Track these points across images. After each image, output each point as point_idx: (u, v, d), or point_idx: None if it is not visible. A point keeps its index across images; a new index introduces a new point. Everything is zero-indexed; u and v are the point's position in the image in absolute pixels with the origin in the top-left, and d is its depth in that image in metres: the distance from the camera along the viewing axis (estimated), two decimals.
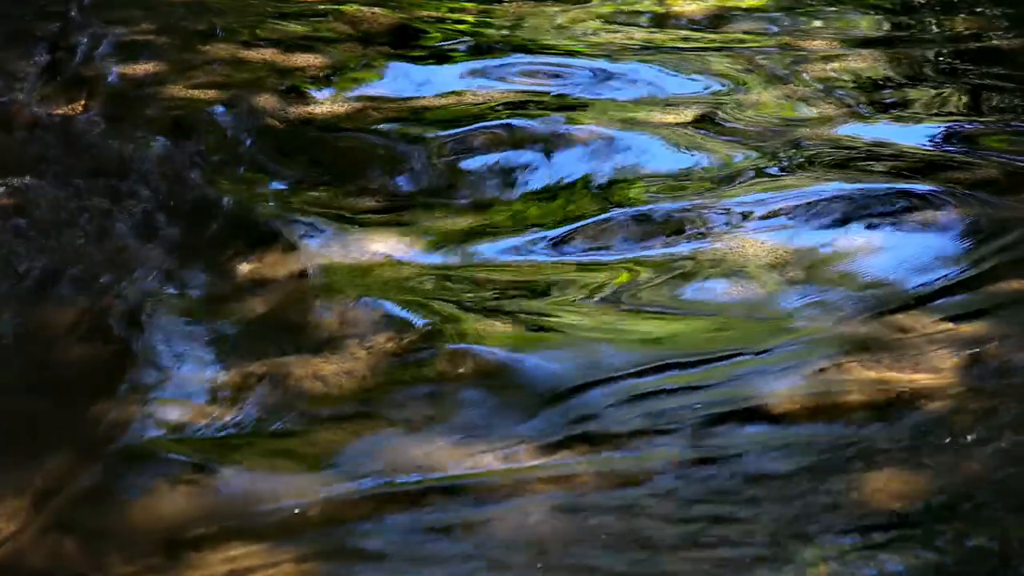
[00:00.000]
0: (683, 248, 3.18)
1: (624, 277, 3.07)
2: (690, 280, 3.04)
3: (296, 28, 4.77)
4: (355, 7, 4.99)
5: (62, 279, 3.09)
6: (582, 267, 3.13)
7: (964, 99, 4.12)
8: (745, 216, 3.30)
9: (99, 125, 3.94)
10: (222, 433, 2.55)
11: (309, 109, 4.04)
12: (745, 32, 4.76)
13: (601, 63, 4.41)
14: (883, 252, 3.13)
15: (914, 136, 3.81)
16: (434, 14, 4.95)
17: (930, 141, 3.78)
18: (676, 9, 4.99)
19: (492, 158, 3.73)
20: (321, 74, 4.33)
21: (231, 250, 3.20)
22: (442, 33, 4.75)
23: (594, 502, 2.31)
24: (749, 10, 4.99)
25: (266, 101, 4.06)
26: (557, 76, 4.31)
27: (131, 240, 3.26)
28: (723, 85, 4.22)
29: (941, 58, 4.44)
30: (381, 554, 2.23)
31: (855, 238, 3.19)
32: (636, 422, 2.51)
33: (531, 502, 2.31)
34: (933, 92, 4.16)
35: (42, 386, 2.72)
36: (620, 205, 3.42)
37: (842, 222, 3.28)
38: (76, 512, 2.33)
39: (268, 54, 4.50)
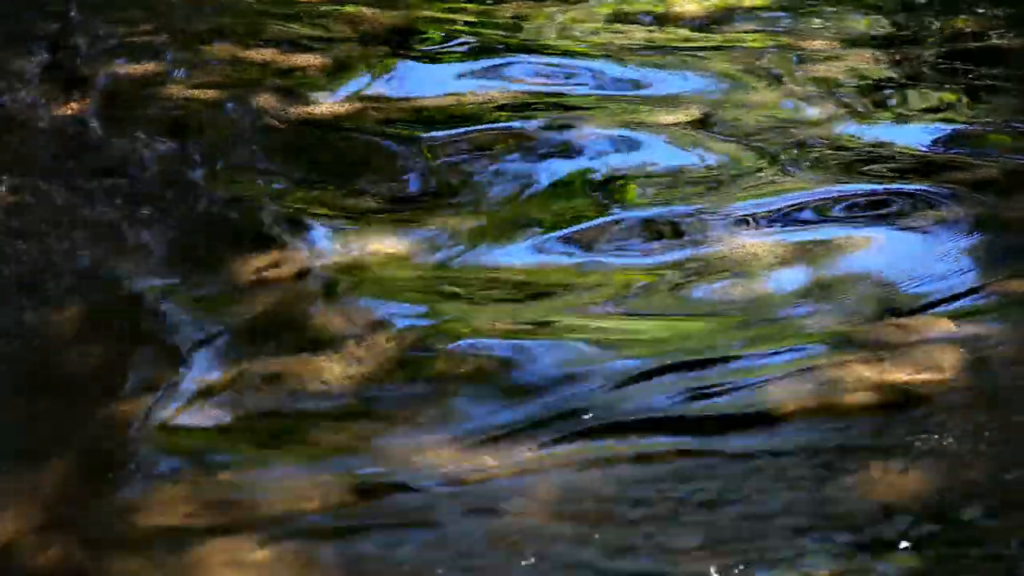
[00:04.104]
0: (683, 249, 3.18)
1: (624, 278, 3.07)
2: (690, 281, 3.04)
3: (296, 28, 4.77)
4: (355, 7, 4.99)
5: (62, 279, 3.09)
6: (582, 268, 3.13)
7: (964, 99, 4.12)
8: (746, 216, 3.30)
9: (99, 125, 3.94)
10: (222, 433, 2.55)
11: (309, 109, 4.04)
12: (745, 32, 4.76)
13: (601, 63, 4.40)
14: (883, 252, 3.13)
15: (914, 136, 3.81)
16: (434, 14, 4.95)
17: (930, 141, 3.78)
18: (676, 9, 4.99)
19: (492, 158, 3.73)
20: (321, 74, 4.33)
21: (231, 250, 3.20)
22: (442, 33, 4.75)
23: (595, 503, 2.31)
24: (749, 10, 4.98)
25: (266, 101, 4.06)
26: (557, 76, 4.31)
27: (131, 240, 3.26)
28: (723, 85, 4.22)
29: (941, 58, 4.44)
30: (381, 554, 2.23)
31: (855, 238, 3.19)
32: (637, 423, 2.51)
33: (532, 502, 2.31)
34: (933, 92, 4.16)
35: (42, 385, 2.72)
36: (620, 206, 3.42)
37: (843, 222, 3.28)
38: (76, 512, 2.33)
39: (268, 54, 4.50)
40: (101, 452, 2.49)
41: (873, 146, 3.73)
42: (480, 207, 3.46)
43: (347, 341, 2.79)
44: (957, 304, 2.89)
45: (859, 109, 4.02)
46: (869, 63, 4.39)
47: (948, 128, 3.87)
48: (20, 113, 4.03)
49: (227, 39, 4.64)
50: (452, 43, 4.66)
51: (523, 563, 2.18)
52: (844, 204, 3.35)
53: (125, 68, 4.35)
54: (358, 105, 4.07)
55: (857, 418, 2.50)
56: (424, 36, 4.74)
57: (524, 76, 4.32)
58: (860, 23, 4.85)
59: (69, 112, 4.02)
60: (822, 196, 3.39)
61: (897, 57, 4.45)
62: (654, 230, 3.28)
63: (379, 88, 4.23)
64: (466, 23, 4.87)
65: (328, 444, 2.50)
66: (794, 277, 3.04)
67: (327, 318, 2.90)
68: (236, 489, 2.37)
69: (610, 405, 2.57)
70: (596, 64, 4.40)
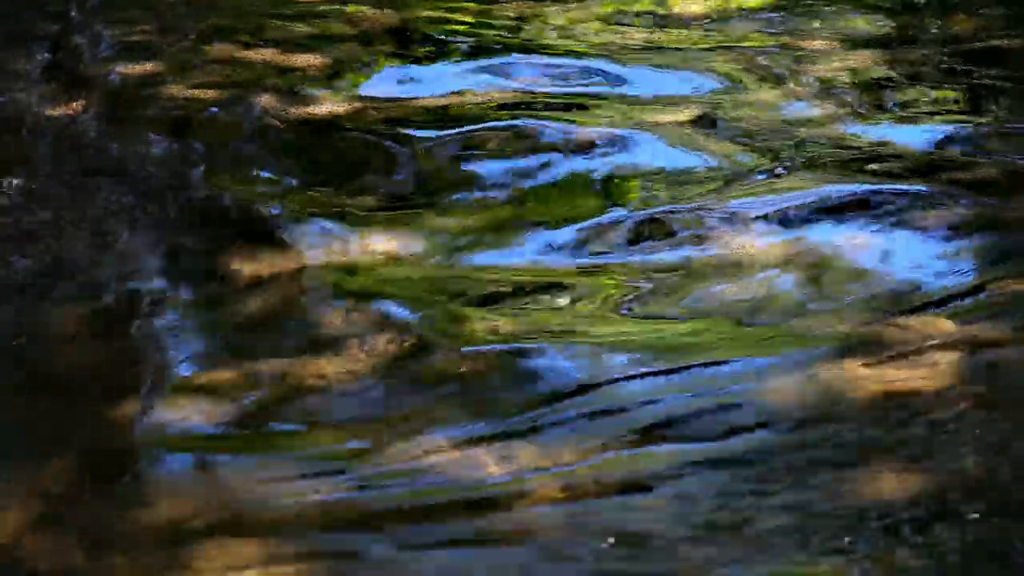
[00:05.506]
0: (683, 249, 3.18)
1: (623, 278, 3.07)
2: (691, 281, 3.04)
3: (296, 28, 4.77)
4: (355, 7, 4.99)
5: (62, 279, 3.09)
6: (582, 268, 3.13)
7: (964, 99, 4.12)
8: (746, 217, 3.30)
9: (99, 125, 3.94)
10: (222, 433, 2.55)
11: (309, 109, 4.04)
12: (745, 32, 4.76)
13: (601, 63, 4.40)
14: (883, 252, 3.13)
15: (914, 136, 3.81)
16: (434, 14, 4.95)
17: (930, 141, 3.78)
18: (676, 9, 4.99)
19: (492, 158, 3.73)
20: (321, 74, 4.33)
21: (231, 250, 3.20)
22: (442, 33, 4.75)
23: (596, 505, 2.31)
24: (749, 10, 4.98)
25: (266, 101, 4.06)
26: (557, 76, 4.31)
27: (131, 240, 3.26)
28: (723, 85, 4.22)
29: (941, 58, 4.44)
30: (380, 554, 2.23)
31: (855, 238, 3.19)
32: (637, 424, 2.51)
33: (531, 504, 2.31)
34: (933, 92, 4.16)
35: (42, 386, 2.72)
36: (620, 206, 3.42)
37: (842, 222, 3.28)
38: (76, 512, 2.33)
39: (268, 54, 4.50)
40: (101, 452, 2.49)
41: (873, 146, 3.73)
42: (480, 207, 3.46)
43: (347, 341, 2.79)
44: (957, 304, 2.89)
45: (859, 109, 4.02)
46: (869, 63, 4.39)
47: (948, 128, 3.87)
48: (20, 113, 4.03)
49: (227, 39, 4.64)
50: (452, 43, 4.66)
51: (521, 567, 2.18)
52: (844, 204, 3.35)
53: (125, 68, 4.35)
54: (358, 105, 4.07)
55: (857, 418, 2.50)
56: (424, 36, 4.74)
57: (524, 76, 4.32)
58: (860, 23, 4.84)
59: (69, 112, 4.02)
60: (822, 196, 3.39)
61: (897, 57, 4.45)
62: (654, 230, 3.28)
63: (379, 88, 4.23)
64: (466, 23, 4.87)
65: (328, 444, 2.50)
66: (794, 277, 3.04)
67: (327, 318, 2.90)
68: (236, 489, 2.37)
69: (610, 406, 2.57)
70: (596, 64, 4.40)
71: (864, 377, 2.60)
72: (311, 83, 4.24)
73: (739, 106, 4.03)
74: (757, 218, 3.29)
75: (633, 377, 2.66)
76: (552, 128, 3.86)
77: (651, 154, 3.70)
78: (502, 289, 3.04)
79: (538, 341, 2.80)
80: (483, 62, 4.44)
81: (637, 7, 5.05)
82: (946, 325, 2.79)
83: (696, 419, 2.52)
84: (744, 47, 4.58)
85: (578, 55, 4.50)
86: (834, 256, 3.12)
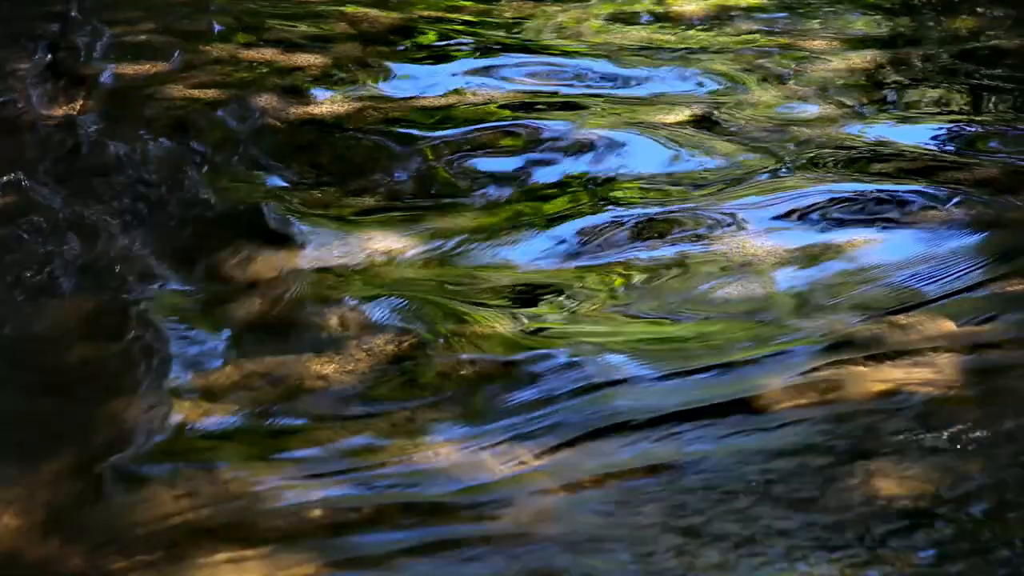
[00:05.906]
0: (683, 249, 3.18)
1: (623, 278, 3.07)
2: (690, 281, 3.04)
3: (296, 28, 4.77)
4: (355, 7, 4.99)
5: (61, 279, 3.09)
6: (581, 268, 3.13)
7: (964, 99, 4.12)
8: (745, 216, 3.30)
9: (99, 125, 3.94)
10: (221, 433, 2.55)
11: (309, 109, 4.04)
12: (745, 32, 4.76)
13: (601, 63, 4.41)
14: (883, 252, 3.13)
15: (914, 136, 3.82)
16: (434, 14, 4.95)
17: (930, 141, 3.78)
18: (676, 9, 4.99)
19: (492, 158, 3.73)
20: (321, 74, 4.33)
21: (231, 250, 3.20)
22: (442, 33, 4.75)
23: (595, 504, 2.31)
24: (749, 10, 4.99)
25: (266, 101, 4.06)
26: (557, 76, 4.31)
27: (130, 240, 3.26)
28: (723, 85, 4.22)
29: (941, 58, 4.44)
30: (380, 555, 2.23)
31: (855, 238, 3.19)
32: (636, 423, 2.51)
33: (531, 504, 2.31)
34: (933, 92, 4.16)
35: (41, 386, 2.72)
36: (620, 206, 3.42)
37: (842, 222, 3.28)
38: (76, 512, 2.33)
39: (268, 54, 4.50)
40: (101, 452, 2.49)
41: (873, 146, 3.73)
42: (480, 207, 3.46)
43: (347, 342, 2.79)
44: (957, 304, 2.89)
45: (859, 109, 4.02)
46: (869, 63, 4.40)
47: (948, 128, 3.87)
48: (20, 113, 4.03)
49: (227, 39, 4.64)
50: (452, 43, 4.66)
51: (522, 567, 2.18)
52: (844, 204, 3.35)
53: (125, 68, 4.35)
54: (358, 105, 4.07)
55: (856, 418, 2.50)
56: (424, 36, 4.74)
57: (524, 76, 4.32)
58: (860, 23, 4.85)
59: (69, 112, 4.02)
60: (822, 196, 3.39)
61: (897, 57, 4.46)
62: (653, 230, 3.28)
63: (379, 88, 4.24)
64: (466, 23, 4.87)
65: (327, 445, 2.50)
66: (794, 277, 3.04)
67: (327, 318, 2.90)
68: (235, 489, 2.37)
69: (609, 407, 2.57)
70: (596, 64, 4.40)
71: (864, 377, 2.60)
72: (311, 83, 4.24)
73: (739, 106, 4.03)
74: (757, 218, 3.29)
75: (633, 377, 2.66)
76: (552, 128, 3.86)
77: (651, 154, 3.70)
78: (502, 289, 3.04)
79: (537, 341, 2.80)
80: (483, 62, 4.45)
81: (637, 7, 5.05)
82: (946, 325, 2.79)
83: (696, 418, 2.52)
84: (744, 47, 4.58)
85: (578, 55, 4.50)
86: (834, 256, 3.12)
